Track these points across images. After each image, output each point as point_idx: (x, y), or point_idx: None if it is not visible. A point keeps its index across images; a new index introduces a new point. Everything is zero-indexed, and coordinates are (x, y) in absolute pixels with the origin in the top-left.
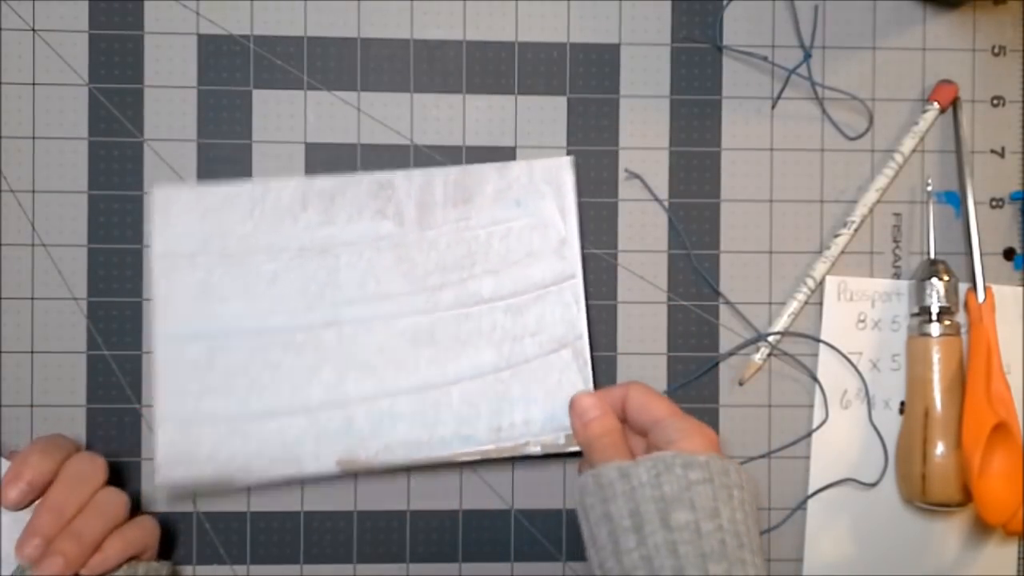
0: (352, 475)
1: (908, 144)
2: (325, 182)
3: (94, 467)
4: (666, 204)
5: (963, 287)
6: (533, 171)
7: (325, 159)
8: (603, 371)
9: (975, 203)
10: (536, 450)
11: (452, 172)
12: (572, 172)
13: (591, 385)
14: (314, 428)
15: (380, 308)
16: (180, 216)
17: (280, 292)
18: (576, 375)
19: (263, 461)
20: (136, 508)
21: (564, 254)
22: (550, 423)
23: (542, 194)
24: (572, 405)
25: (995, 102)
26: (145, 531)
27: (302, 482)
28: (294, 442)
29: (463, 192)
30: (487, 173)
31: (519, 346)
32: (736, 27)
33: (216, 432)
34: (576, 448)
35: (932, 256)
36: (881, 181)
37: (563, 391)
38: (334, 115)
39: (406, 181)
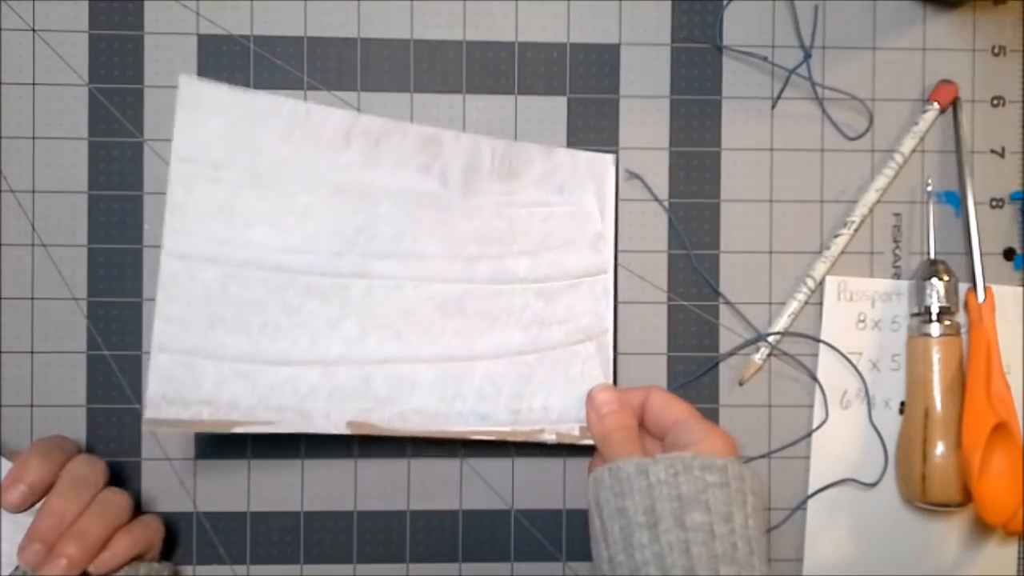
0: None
1: (908, 144)
2: (372, 122)
3: (94, 469)
4: (666, 204)
5: (963, 287)
6: (577, 161)
7: None
8: None
9: (975, 203)
10: (551, 438)
11: (500, 144)
12: (614, 170)
13: (611, 380)
14: (328, 383)
15: (414, 268)
16: (208, 118)
17: (312, 230)
18: (598, 369)
19: (268, 411)
20: (137, 508)
21: (599, 248)
22: (567, 413)
23: (584, 186)
24: (590, 397)
25: (995, 102)
26: (151, 530)
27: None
28: (305, 395)
29: (509, 167)
30: (533, 153)
31: (546, 332)
32: (736, 27)
33: (219, 371)
34: (588, 441)
35: (932, 256)
36: (881, 181)
37: (584, 383)
38: None
39: (454, 142)
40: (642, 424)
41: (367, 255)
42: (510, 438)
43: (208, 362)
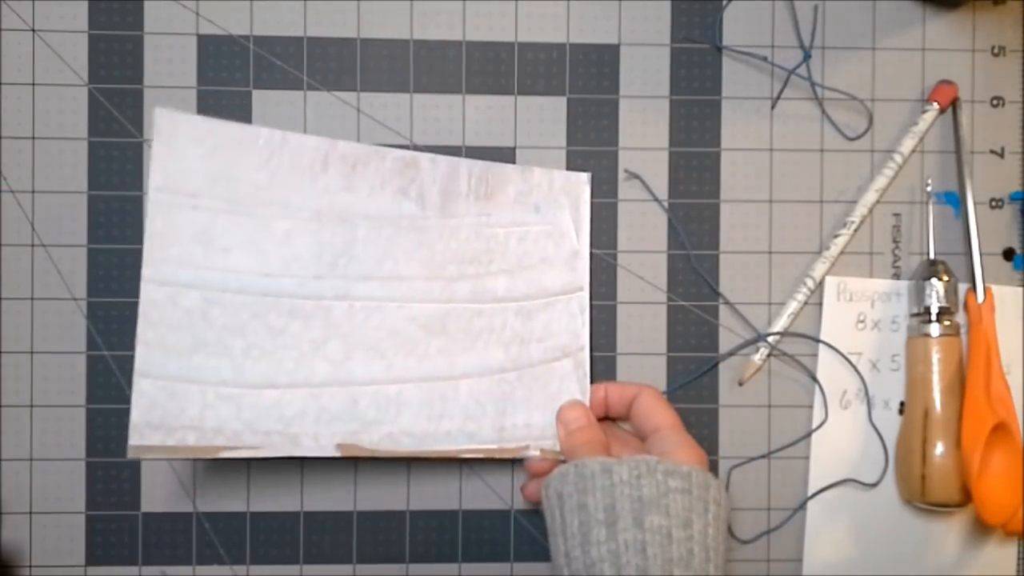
0: (350, 461)
1: (908, 144)
2: (348, 148)
3: None
4: (666, 204)
5: (963, 287)
6: (553, 180)
7: None
8: (603, 371)
9: (975, 203)
10: (535, 454)
11: (476, 166)
12: (589, 188)
13: (588, 396)
14: (315, 405)
15: (395, 289)
16: (185, 148)
17: (292, 253)
18: (575, 385)
19: (256, 436)
20: (137, 508)
21: (575, 266)
22: (549, 429)
23: (560, 205)
24: (559, 414)
25: (995, 102)
26: None
27: (301, 465)
28: (293, 418)
29: (486, 188)
30: (509, 174)
31: (526, 350)
32: (736, 27)
33: (204, 396)
34: None
35: (932, 256)
36: (881, 181)
37: (561, 399)
38: (334, 115)
39: (431, 165)
40: (626, 419)
41: (348, 277)
42: (497, 455)
43: (192, 387)
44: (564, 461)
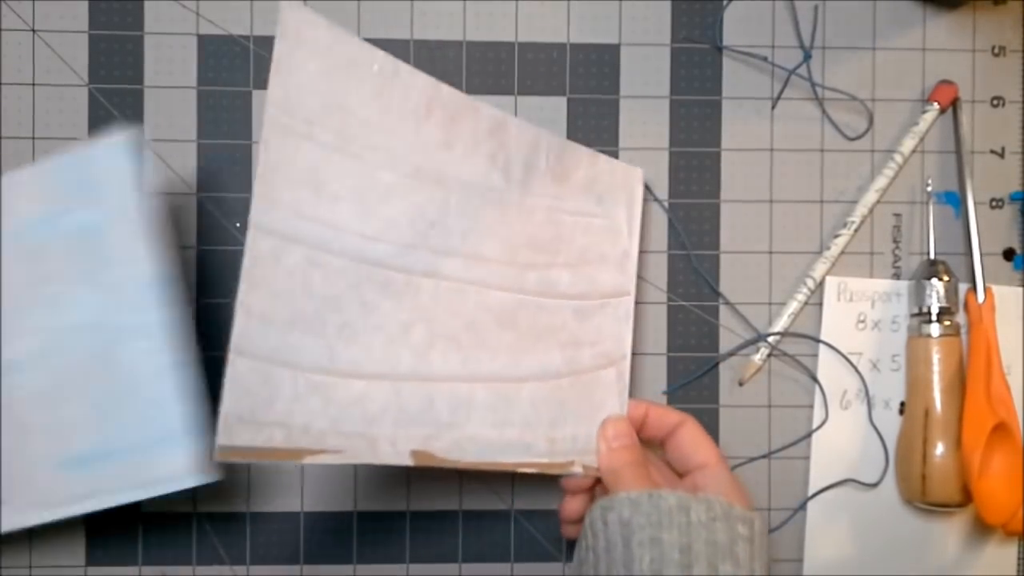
0: (419, 470)
1: (908, 144)
2: (451, 96)
3: None
4: (666, 204)
5: (963, 287)
6: (614, 171)
7: None
8: None
9: (975, 203)
10: (579, 471)
11: (554, 142)
12: (642, 186)
13: (626, 409)
14: (396, 403)
15: (476, 271)
16: (307, 59)
17: (391, 214)
18: (615, 398)
19: (339, 437)
20: (136, 507)
21: (625, 268)
22: (591, 442)
23: (617, 199)
24: (603, 428)
25: (995, 102)
26: None
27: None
28: (374, 418)
29: (561, 167)
30: (581, 155)
31: (579, 354)
32: (736, 27)
33: (295, 384)
34: None
35: (932, 256)
36: (881, 181)
37: (602, 411)
38: None
39: (518, 132)
40: (663, 444)
41: (436, 251)
42: (547, 471)
43: (285, 371)
44: (599, 480)
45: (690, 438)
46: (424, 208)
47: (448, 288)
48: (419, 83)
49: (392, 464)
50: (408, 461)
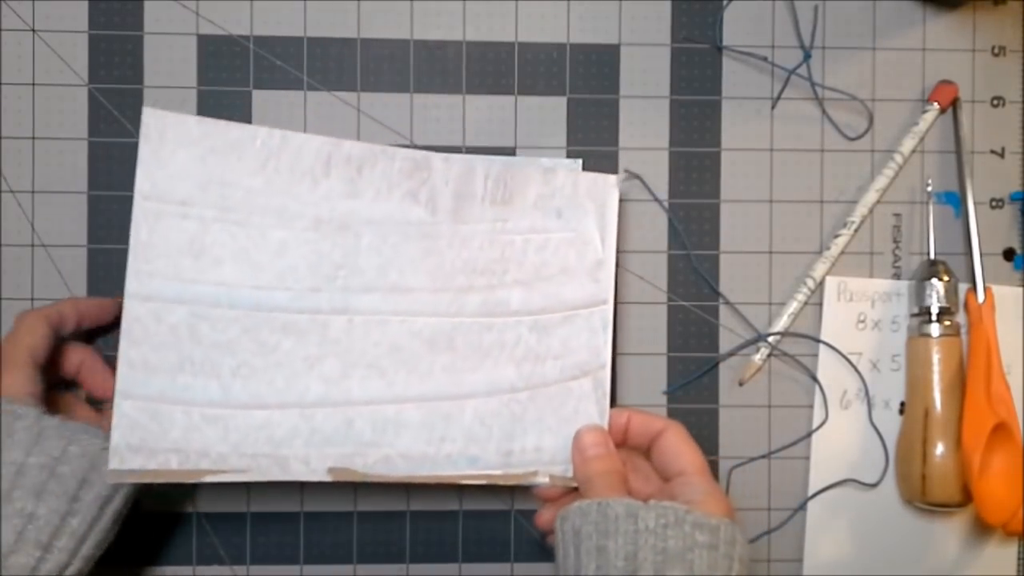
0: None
1: (908, 144)
2: (355, 148)
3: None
4: (666, 204)
5: (963, 287)
6: (578, 183)
7: None
8: None
9: (975, 203)
10: (544, 480)
11: (495, 165)
12: (617, 192)
13: (607, 418)
14: (307, 427)
15: (398, 302)
16: (175, 152)
17: (287, 265)
18: (593, 407)
19: (243, 459)
20: (136, 507)
21: (598, 277)
22: (561, 453)
23: (585, 210)
24: (577, 437)
25: (995, 102)
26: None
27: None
28: (282, 440)
29: (504, 191)
30: (531, 174)
31: (540, 367)
32: (736, 27)
33: (189, 417)
34: None
35: (932, 256)
36: (881, 181)
37: (578, 422)
38: (334, 116)
39: (444, 166)
40: (648, 451)
41: (348, 290)
42: (500, 482)
43: (176, 408)
44: (575, 489)
45: (672, 445)
46: (328, 254)
47: (364, 321)
48: (312, 146)
49: (307, 480)
50: (325, 477)
